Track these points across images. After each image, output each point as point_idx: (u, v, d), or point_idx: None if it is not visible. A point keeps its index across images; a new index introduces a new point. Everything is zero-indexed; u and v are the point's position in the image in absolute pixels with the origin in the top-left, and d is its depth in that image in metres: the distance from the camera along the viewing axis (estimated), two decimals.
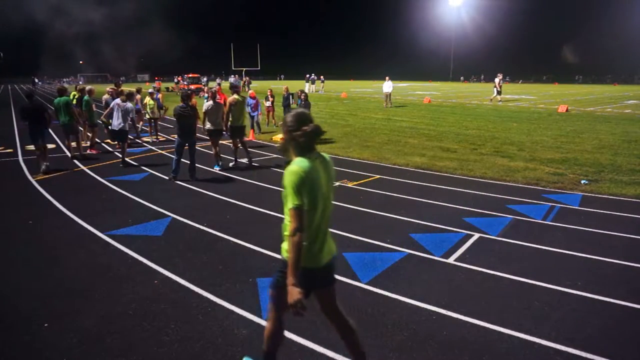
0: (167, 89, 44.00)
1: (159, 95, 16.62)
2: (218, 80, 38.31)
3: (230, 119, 9.35)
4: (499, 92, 27.22)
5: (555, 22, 78.62)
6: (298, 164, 2.35)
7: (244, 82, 44.16)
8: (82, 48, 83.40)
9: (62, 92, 10.41)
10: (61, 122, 10.25)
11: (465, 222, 5.96)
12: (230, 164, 9.69)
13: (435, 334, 3.41)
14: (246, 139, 13.11)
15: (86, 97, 11.46)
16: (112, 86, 13.86)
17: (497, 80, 27.67)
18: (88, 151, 11.19)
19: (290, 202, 2.29)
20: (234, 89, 9.82)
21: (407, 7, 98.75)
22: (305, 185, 2.31)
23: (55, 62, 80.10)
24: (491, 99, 27.77)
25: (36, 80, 76.15)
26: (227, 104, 9.39)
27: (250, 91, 15.00)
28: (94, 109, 11.68)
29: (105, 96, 13.68)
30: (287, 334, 3.39)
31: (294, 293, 2.26)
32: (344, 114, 20.75)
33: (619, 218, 6.18)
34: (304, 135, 2.39)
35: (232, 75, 52.61)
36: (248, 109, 14.20)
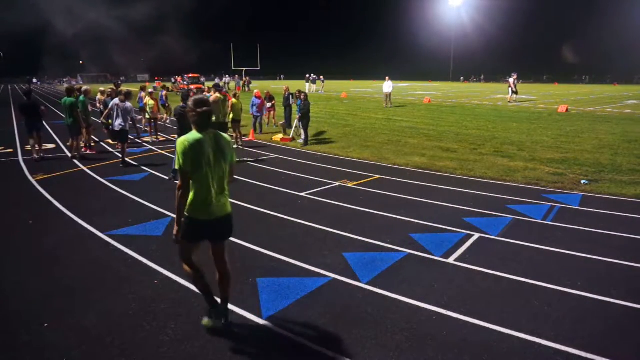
0: (167, 88, 43.97)
1: (164, 94, 16.65)
2: (217, 80, 38.50)
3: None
4: (514, 92, 26.87)
5: (555, 22, 78.60)
6: (186, 136, 3.08)
7: (244, 82, 44.22)
8: (84, 49, 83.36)
9: (70, 92, 10.42)
10: (65, 123, 10.31)
11: (465, 222, 5.96)
12: None
13: (435, 334, 3.41)
14: (246, 139, 13.18)
15: (82, 98, 11.47)
16: (112, 87, 13.88)
17: (511, 80, 27.17)
18: (83, 150, 11.18)
19: (177, 165, 3.09)
20: (216, 87, 10.94)
21: (407, 7, 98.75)
22: (188, 153, 3.03)
23: (57, 63, 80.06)
24: (509, 100, 27.22)
25: (34, 80, 76.14)
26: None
27: (255, 91, 14.95)
28: (90, 109, 11.68)
29: (99, 96, 13.69)
30: (287, 334, 3.39)
31: (174, 231, 3.21)
32: (344, 114, 20.75)
33: (619, 218, 6.18)
34: (197, 115, 3.09)
35: (226, 75, 52.84)
36: (253, 109, 14.23)
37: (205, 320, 3.42)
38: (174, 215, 3.22)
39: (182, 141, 3.05)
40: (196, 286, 3.46)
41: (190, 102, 3.15)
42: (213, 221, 3.20)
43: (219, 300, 3.44)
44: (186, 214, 3.16)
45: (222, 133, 3.30)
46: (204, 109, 3.09)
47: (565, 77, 70.39)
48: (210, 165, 3.11)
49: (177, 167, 3.05)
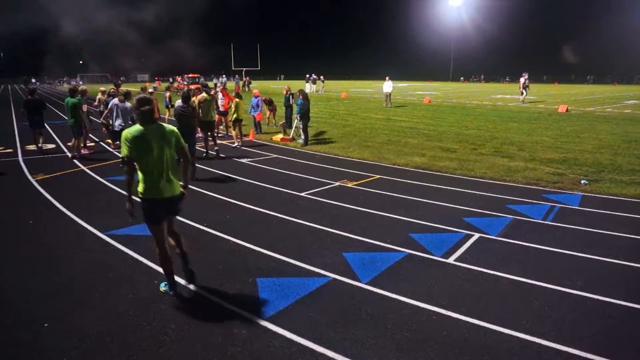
0: (170, 89, 44.01)
1: (167, 95, 16.63)
2: (216, 80, 38.64)
3: (200, 114, 10.29)
4: (524, 92, 26.46)
5: (555, 22, 78.56)
6: (129, 129, 3.62)
7: (244, 82, 44.24)
8: (89, 50, 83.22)
9: (72, 92, 10.46)
10: (67, 123, 10.38)
11: (465, 222, 5.96)
12: (202, 155, 10.66)
13: (435, 334, 3.41)
14: (246, 139, 13.18)
15: (78, 97, 11.46)
16: (112, 87, 13.87)
17: (522, 80, 26.62)
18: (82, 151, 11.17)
19: (122, 152, 3.62)
20: (204, 87, 11.63)
21: (408, 7, 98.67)
22: (129, 142, 3.55)
23: (58, 63, 79.91)
24: (522, 100, 26.84)
25: (34, 80, 76.04)
26: (197, 101, 10.39)
27: (255, 91, 14.94)
28: (85, 108, 11.68)
29: (99, 96, 13.69)
30: (287, 334, 3.40)
31: (127, 205, 3.75)
32: (344, 114, 20.75)
33: (619, 218, 6.18)
34: (140, 113, 3.63)
35: (222, 76, 53.11)
36: (251, 109, 14.23)
37: (162, 288, 4.08)
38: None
39: (125, 133, 3.59)
40: (163, 267, 3.98)
41: (134, 101, 3.67)
42: (166, 200, 3.75)
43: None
44: (142, 197, 3.71)
45: (165, 125, 3.78)
46: (146, 107, 3.64)
47: (565, 77, 70.40)
48: (156, 153, 3.64)
49: (121, 154, 3.65)
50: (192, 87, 36.49)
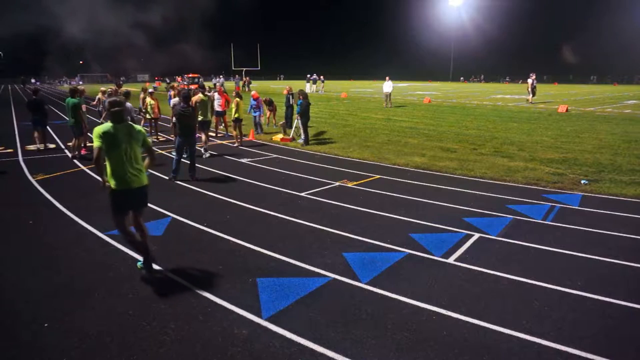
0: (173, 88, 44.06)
1: (172, 94, 16.61)
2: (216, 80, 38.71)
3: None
4: (532, 93, 26.04)
5: (555, 22, 78.56)
6: (101, 126, 4.09)
7: (244, 82, 44.25)
8: (92, 50, 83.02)
9: (73, 93, 10.46)
10: (67, 123, 10.40)
11: (465, 222, 5.96)
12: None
13: (435, 334, 3.41)
14: (246, 138, 13.18)
15: (78, 98, 11.45)
16: (112, 86, 13.88)
17: (530, 80, 26.14)
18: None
19: (94, 143, 4.08)
20: (201, 89, 11.99)
21: (408, 8, 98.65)
22: (99, 137, 4.00)
23: (59, 63, 79.76)
24: (530, 100, 26.34)
25: (33, 80, 75.94)
26: (193, 102, 10.44)
27: (253, 92, 14.98)
28: (84, 108, 11.68)
29: (99, 96, 13.70)
30: (287, 334, 3.40)
31: (101, 181, 4.21)
32: (344, 114, 20.75)
33: (619, 218, 6.18)
34: (110, 114, 4.11)
35: (219, 76, 53.25)
36: (250, 110, 14.30)
37: (139, 265, 4.52)
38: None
39: (97, 129, 4.06)
40: (131, 246, 4.59)
41: (106, 103, 4.16)
42: (133, 190, 4.18)
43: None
44: (113, 189, 4.13)
45: (134, 125, 4.27)
46: (116, 108, 4.11)
47: (565, 77, 70.40)
48: (123, 148, 4.08)
49: (95, 144, 4.08)
50: (192, 87, 36.54)
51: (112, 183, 4.10)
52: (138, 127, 4.29)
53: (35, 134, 11.51)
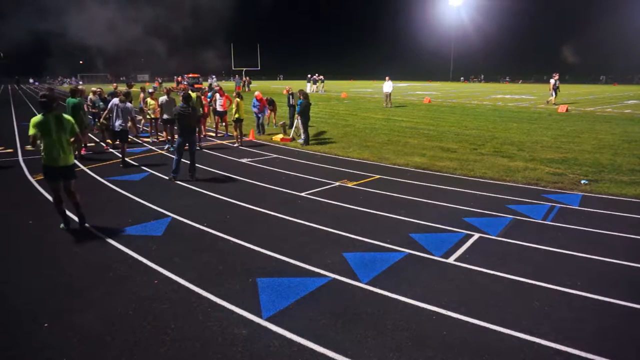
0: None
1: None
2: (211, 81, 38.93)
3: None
4: (554, 94, 24.96)
5: (555, 22, 78.52)
6: (36, 117, 5.20)
7: (244, 82, 44.23)
8: (94, 51, 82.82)
9: (73, 93, 10.44)
10: None
11: (465, 222, 5.96)
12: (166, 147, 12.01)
13: (435, 334, 3.41)
14: (246, 138, 13.18)
15: (78, 98, 11.45)
16: (99, 87, 13.90)
17: (552, 81, 25.05)
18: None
19: (29, 132, 5.14)
20: (191, 88, 12.73)
21: (407, 7, 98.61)
22: (34, 126, 5.10)
23: (60, 63, 79.70)
24: (552, 102, 25.11)
25: (31, 80, 75.87)
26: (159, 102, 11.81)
27: (256, 93, 14.87)
28: (86, 109, 11.71)
29: (90, 96, 13.69)
30: (287, 334, 3.40)
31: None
32: (344, 114, 20.75)
33: (619, 218, 6.18)
34: (40, 104, 5.21)
35: (212, 76, 53.49)
36: (255, 110, 14.22)
37: (62, 226, 5.63)
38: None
39: (33, 120, 5.13)
40: (56, 208, 5.55)
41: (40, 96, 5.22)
42: (61, 168, 5.33)
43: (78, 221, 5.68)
44: (44, 164, 5.30)
45: (64, 115, 5.38)
46: (41, 100, 5.20)
47: (565, 77, 70.36)
48: (54, 134, 5.19)
49: (29, 133, 5.12)
50: (180, 87, 36.51)
51: (44, 160, 5.25)
52: (68, 117, 5.37)
53: None
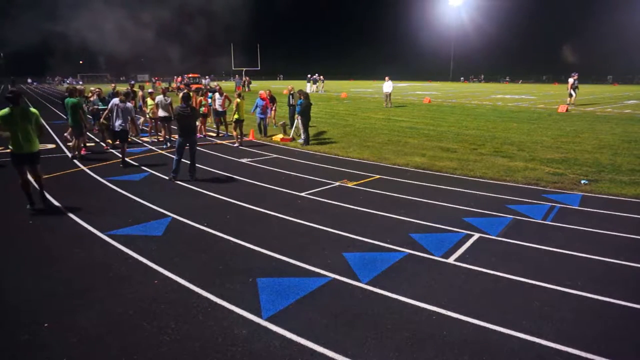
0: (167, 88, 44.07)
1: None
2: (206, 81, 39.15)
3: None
4: (573, 94, 24.00)
5: (555, 22, 78.50)
6: (3, 109, 5.92)
7: (244, 82, 44.22)
8: (103, 53, 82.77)
9: (71, 93, 10.46)
10: (69, 123, 10.43)
11: (465, 222, 5.96)
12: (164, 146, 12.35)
13: (435, 334, 3.41)
14: (246, 138, 13.17)
15: (77, 98, 11.46)
16: (98, 87, 13.93)
17: (571, 80, 23.91)
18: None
19: None
20: (187, 86, 13.01)
21: (407, 7, 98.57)
22: (1, 118, 5.86)
23: (61, 63, 79.64)
24: (572, 101, 23.96)
25: (29, 80, 75.82)
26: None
27: (260, 92, 14.68)
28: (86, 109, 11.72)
29: (93, 97, 13.70)
30: (287, 334, 3.39)
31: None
32: (344, 114, 20.75)
33: (619, 218, 6.18)
34: (7, 99, 5.97)
35: (207, 77, 53.57)
36: (257, 111, 14.07)
37: (28, 207, 6.33)
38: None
39: (1, 112, 5.88)
40: (23, 190, 6.28)
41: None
42: (26, 154, 6.11)
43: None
44: (10, 151, 6.06)
45: (29, 108, 6.21)
46: (7, 95, 5.99)
47: (564, 77, 70.36)
48: (19, 125, 5.96)
49: None
50: (193, 87, 36.71)
51: (11, 148, 6.02)
52: (33, 109, 6.23)
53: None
